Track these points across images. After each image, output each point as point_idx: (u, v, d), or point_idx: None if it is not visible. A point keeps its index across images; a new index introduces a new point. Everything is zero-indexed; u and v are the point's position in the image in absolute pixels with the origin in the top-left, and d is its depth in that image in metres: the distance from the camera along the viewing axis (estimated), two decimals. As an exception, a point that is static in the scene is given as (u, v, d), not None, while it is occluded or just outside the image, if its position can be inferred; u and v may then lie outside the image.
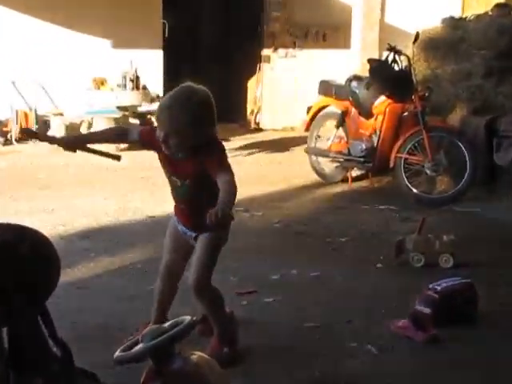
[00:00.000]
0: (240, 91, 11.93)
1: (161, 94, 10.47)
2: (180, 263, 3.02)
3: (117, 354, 1.86)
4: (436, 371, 2.91)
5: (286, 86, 11.20)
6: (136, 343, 1.85)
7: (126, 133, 2.95)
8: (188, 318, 1.94)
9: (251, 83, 12.02)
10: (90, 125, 9.45)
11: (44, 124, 9.84)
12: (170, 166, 2.78)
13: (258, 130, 11.40)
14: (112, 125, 9.07)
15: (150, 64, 10.32)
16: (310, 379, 2.83)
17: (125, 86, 9.78)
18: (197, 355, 1.95)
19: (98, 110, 9.38)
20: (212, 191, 2.67)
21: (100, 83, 9.84)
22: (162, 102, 2.61)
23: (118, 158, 3.01)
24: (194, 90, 2.63)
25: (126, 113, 9.56)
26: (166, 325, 1.91)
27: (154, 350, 1.81)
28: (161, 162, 2.87)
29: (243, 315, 3.47)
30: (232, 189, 2.63)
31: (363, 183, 7.09)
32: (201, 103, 2.61)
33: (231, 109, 11.28)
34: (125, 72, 9.80)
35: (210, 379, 1.84)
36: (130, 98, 9.73)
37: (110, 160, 3.02)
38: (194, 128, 2.58)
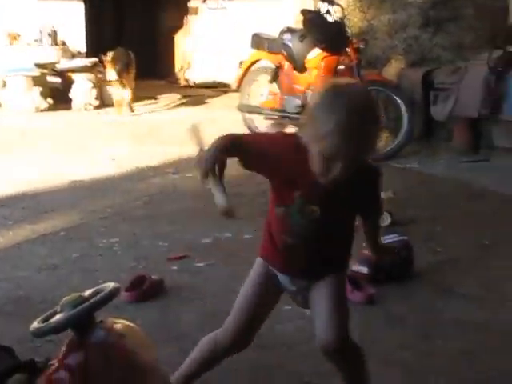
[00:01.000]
0: (167, 46, 11.76)
1: (83, 50, 10.24)
2: (252, 332, 2.28)
3: (34, 325, 1.83)
4: (372, 330, 2.98)
5: (217, 40, 11.09)
6: (54, 314, 1.83)
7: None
8: (111, 284, 1.92)
9: (179, 37, 11.85)
10: (4, 83, 9.16)
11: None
12: (311, 190, 2.02)
13: (188, 86, 11.29)
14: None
15: (70, 17, 10.04)
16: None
17: (42, 41, 9.51)
18: (121, 324, 1.94)
19: (14, 67, 9.08)
20: (349, 228, 2.18)
21: (13, 38, 9.53)
22: (336, 115, 1.86)
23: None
24: (365, 91, 2.05)
25: (45, 70, 9.30)
26: (87, 293, 1.89)
27: (75, 320, 1.78)
28: (280, 185, 2.08)
29: (174, 281, 3.48)
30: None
31: (299, 141, 7.11)
32: (378, 108, 2.03)
33: (158, 64, 11.14)
34: (42, 26, 9.51)
35: (135, 349, 1.83)
36: (48, 54, 9.47)
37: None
38: (375, 143, 1.99)
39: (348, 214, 2.11)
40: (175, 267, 3.71)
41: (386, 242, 3.60)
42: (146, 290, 3.27)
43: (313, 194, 2.02)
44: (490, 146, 6.24)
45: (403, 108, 6.19)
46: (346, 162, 1.90)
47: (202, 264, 3.76)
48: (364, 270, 3.45)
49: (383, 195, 4.48)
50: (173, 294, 3.32)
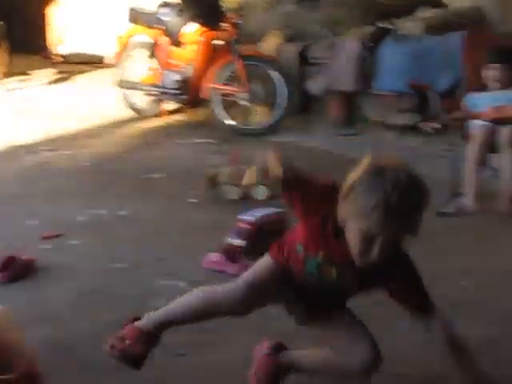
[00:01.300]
0: (39, 18, 11.34)
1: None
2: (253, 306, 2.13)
3: None
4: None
5: (91, 13, 10.78)
6: None
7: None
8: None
9: (51, 9, 11.45)
10: None
11: None
12: (336, 259, 2.01)
13: (64, 62, 10.95)
14: None
15: None
16: (118, 320, 2.84)
17: None
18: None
19: None
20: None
21: None
22: (379, 194, 1.82)
23: None
24: (409, 170, 1.91)
25: None
26: None
27: None
28: (309, 233, 2.03)
29: (48, 260, 3.42)
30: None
31: (179, 116, 7.10)
32: (428, 194, 1.92)
33: (31, 38, 10.74)
34: None
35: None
36: None
37: None
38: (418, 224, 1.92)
39: (361, 289, 2.11)
40: (49, 246, 3.64)
41: (261, 215, 3.69)
42: (16, 271, 3.21)
43: (336, 261, 2.01)
44: (364, 119, 6.45)
45: (280, 83, 6.28)
46: (388, 242, 1.87)
47: (76, 242, 3.71)
48: (239, 242, 3.51)
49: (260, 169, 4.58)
50: (45, 274, 3.28)
